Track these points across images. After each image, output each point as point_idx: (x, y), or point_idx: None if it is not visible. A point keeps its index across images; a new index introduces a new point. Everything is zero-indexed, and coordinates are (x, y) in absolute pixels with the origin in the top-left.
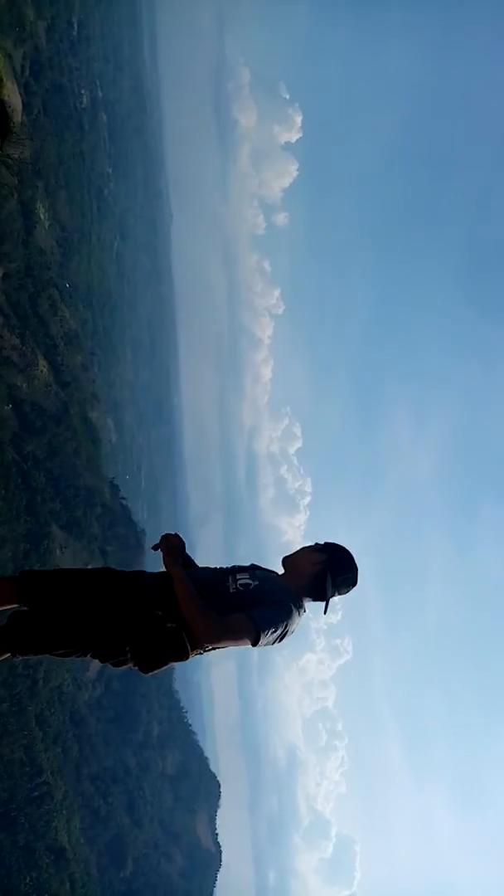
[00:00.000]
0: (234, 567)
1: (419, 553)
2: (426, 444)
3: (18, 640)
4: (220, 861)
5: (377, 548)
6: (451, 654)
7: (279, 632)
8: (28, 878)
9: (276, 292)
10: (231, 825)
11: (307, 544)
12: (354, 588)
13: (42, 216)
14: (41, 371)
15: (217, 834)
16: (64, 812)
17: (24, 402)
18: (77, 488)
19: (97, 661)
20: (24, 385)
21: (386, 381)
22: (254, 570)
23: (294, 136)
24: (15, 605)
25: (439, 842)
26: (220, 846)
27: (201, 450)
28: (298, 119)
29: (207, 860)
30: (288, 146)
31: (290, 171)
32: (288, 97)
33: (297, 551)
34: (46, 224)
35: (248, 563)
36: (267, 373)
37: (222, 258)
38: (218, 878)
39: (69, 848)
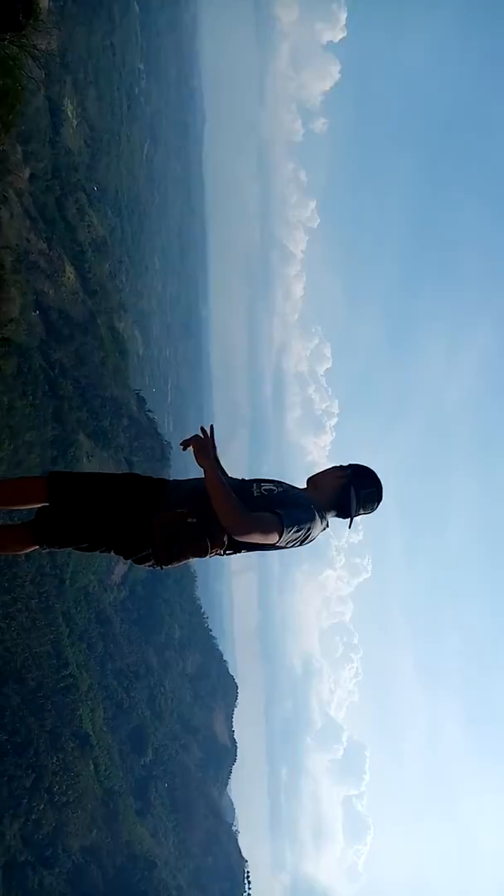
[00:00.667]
0: (258, 479)
1: (442, 480)
2: (458, 372)
3: (45, 533)
4: (235, 756)
5: (401, 472)
6: (467, 579)
7: (302, 532)
8: (55, 759)
9: (312, 204)
10: (247, 724)
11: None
12: (379, 505)
13: (70, 114)
14: (68, 278)
15: (233, 731)
16: (89, 703)
17: (51, 308)
18: (104, 398)
19: (121, 556)
20: (52, 292)
21: (422, 305)
22: (278, 483)
23: (338, 35)
24: (43, 503)
25: (445, 752)
26: (235, 742)
27: (229, 365)
28: (343, 16)
29: (223, 754)
30: (330, 46)
31: (331, 74)
32: None
33: (322, 471)
34: (74, 122)
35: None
36: (299, 289)
37: (256, 166)
38: (232, 771)
39: (93, 735)
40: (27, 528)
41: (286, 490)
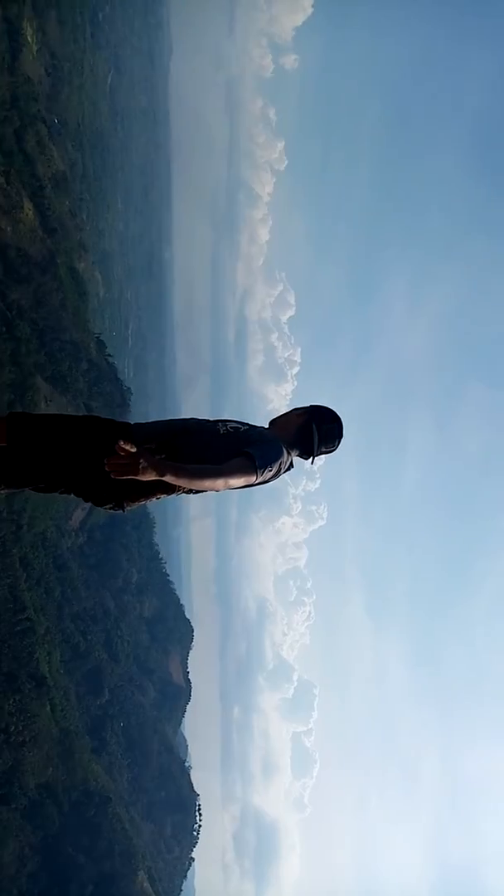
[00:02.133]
0: (222, 419)
1: (401, 428)
2: (420, 319)
3: (1, 473)
4: (189, 696)
5: (360, 420)
6: (419, 528)
7: (275, 469)
8: (11, 700)
9: (280, 145)
10: (201, 666)
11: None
12: (340, 442)
13: (30, 39)
14: (26, 214)
15: (188, 672)
16: (45, 645)
17: (9, 247)
18: (63, 342)
19: (80, 499)
20: (9, 228)
21: (387, 253)
22: (243, 423)
23: None
24: (1, 444)
25: (391, 693)
26: (190, 683)
27: (191, 309)
28: None
29: (177, 694)
30: None
31: (304, 7)
32: None
33: (284, 413)
34: (34, 48)
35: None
36: (264, 233)
37: (224, 101)
38: (187, 711)
39: (49, 676)
40: None
41: (252, 428)
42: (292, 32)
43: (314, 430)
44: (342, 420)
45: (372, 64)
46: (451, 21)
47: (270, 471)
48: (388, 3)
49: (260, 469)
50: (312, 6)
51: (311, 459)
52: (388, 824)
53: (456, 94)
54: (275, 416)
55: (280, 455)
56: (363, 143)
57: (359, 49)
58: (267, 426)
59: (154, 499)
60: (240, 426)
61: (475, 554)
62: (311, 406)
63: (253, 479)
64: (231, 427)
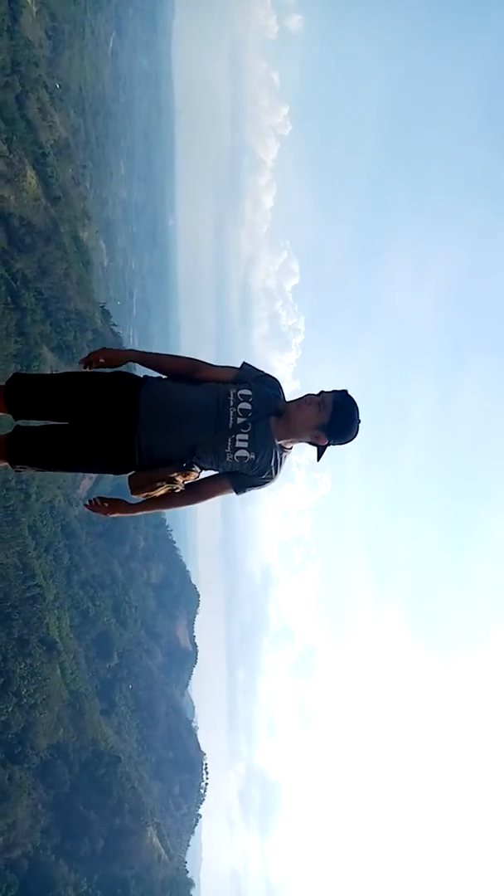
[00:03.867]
0: (235, 393)
1: (404, 397)
2: (424, 287)
3: (20, 451)
4: (196, 659)
5: (364, 390)
6: (421, 496)
7: (255, 490)
8: (23, 665)
9: (285, 110)
10: (207, 630)
11: (312, 393)
12: (352, 439)
13: (29, 0)
14: (29, 183)
15: (194, 636)
16: (55, 611)
17: (12, 216)
18: (68, 311)
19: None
20: (12, 197)
21: (392, 220)
22: (256, 392)
23: None
24: (3, 412)
25: (391, 657)
26: (196, 647)
27: (195, 278)
28: None
29: (184, 658)
30: None
31: None
32: None
33: (301, 403)
34: (34, 9)
35: (253, 370)
36: (268, 200)
37: (228, 63)
38: (193, 674)
39: (59, 641)
40: (2, 440)
41: (257, 456)
42: None
43: (324, 451)
44: (357, 431)
45: (378, 24)
46: None
47: (248, 494)
48: None
49: (240, 493)
50: None
51: (317, 458)
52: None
53: (464, 58)
54: (293, 399)
55: (264, 484)
56: (369, 107)
57: (365, 9)
58: (283, 407)
59: (160, 487)
60: (246, 455)
61: (475, 519)
62: (332, 412)
63: (232, 494)
64: (238, 456)
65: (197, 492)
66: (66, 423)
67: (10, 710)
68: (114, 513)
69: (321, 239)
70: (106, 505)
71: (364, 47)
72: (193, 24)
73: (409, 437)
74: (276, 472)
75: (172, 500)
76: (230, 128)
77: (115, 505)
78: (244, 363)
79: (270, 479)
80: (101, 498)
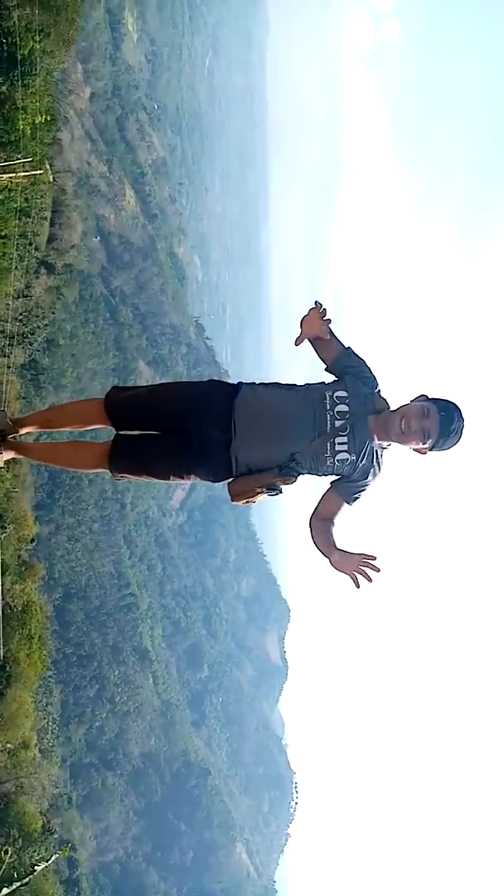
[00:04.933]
0: (331, 395)
1: None
2: None
3: (121, 460)
4: (287, 676)
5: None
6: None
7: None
8: (116, 672)
9: (383, 120)
10: (298, 647)
11: (416, 400)
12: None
13: (130, 27)
14: (128, 202)
15: (285, 651)
16: (148, 620)
17: (112, 234)
18: (163, 326)
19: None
20: (112, 216)
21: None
22: (353, 392)
23: None
24: (105, 424)
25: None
26: (287, 662)
27: (289, 295)
28: None
29: (275, 673)
30: None
31: None
32: None
33: (404, 414)
34: (135, 37)
35: (354, 358)
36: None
37: (322, 78)
38: (284, 690)
39: (152, 650)
40: (105, 449)
41: (357, 457)
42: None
43: (428, 448)
44: (459, 441)
45: (478, 27)
46: None
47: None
48: None
49: (351, 504)
50: None
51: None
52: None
53: None
54: (396, 410)
55: (371, 484)
56: (470, 115)
57: (462, 10)
58: (383, 412)
59: (260, 493)
60: (347, 457)
61: None
62: (438, 421)
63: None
64: (339, 459)
65: (321, 520)
66: (164, 432)
67: (104, 716)
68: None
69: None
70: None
71: (464, 49)
72: (288, 38)
73: None
74: (378, 471)
75: (321, 537)
76: (326, 141)
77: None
78: (349, 349)
79: (374, 478)
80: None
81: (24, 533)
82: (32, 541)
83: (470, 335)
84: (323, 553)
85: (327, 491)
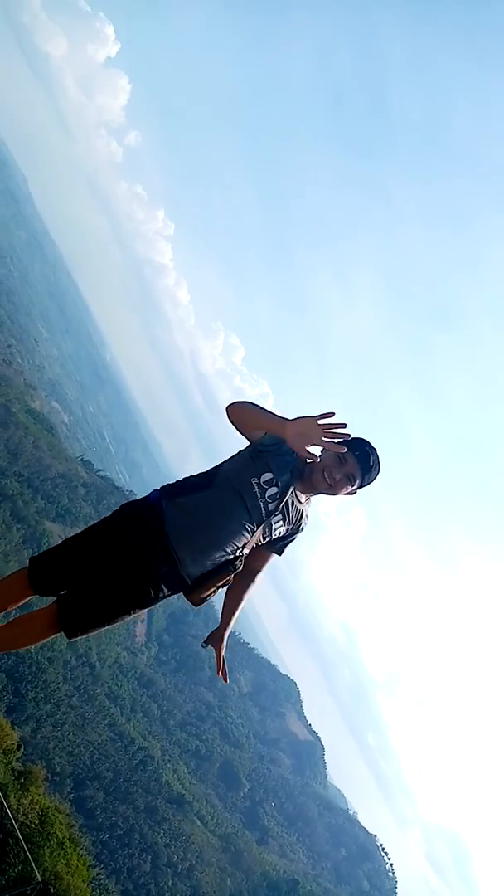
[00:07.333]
0: (257, 483)
1: (388, 403)
2: (357, 298)
3: (74, 621)
4: (322, 746)
5: (352, 411)
6: (446, 492)
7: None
8: (161, 833)
9: (160, 213)
10: (319, 711)
11: (327, 450)
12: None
13: None
14: None
15: (310, 724)
16: (168, 765)
17: None
18: (53, 479)
19: (141, 610)
20: None
21: (296, 255)
22: (277, 469)
23: (112, 50)
24: (32, 594)
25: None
26: (316, 734)
27: (152, 393)
28: (110, 30)
29: (311, 750)
30: (110, 62)
31: (122, 87)
32: (90, 9)
33: (322, 464)
34: None
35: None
36: (183, 295)
37: (92, 199)
38: (326, 761)
39: (186, 792)
40: (47, 614)
41: (292, 525)
42: (123, 113)
43: (352, 489)
44: (376, 469)
45: (204, 101)
46: (253, 26)
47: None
48: (190, 45)
49: (281, 555)
50: (129, 83)
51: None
52: None
53: (289, 104)
54: (313, 463)
55: (299, 533)
56: (233, 173)
57: (186, 92)
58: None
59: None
60: (284, 529)
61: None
62: (356, 460)
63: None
64: (276, 534)
65: (248, 575)
66: (97, 576)
67: (170, 882)
68: (222, 650)
69: (245, 304)
70: (222, 660)
71: (200, 126)
72: (47, 181)
73: (408, 442)
74: (306, 523)
75: (235, 595)
76: (119, 249)
77: (218, 646)
78: (265, 435)
79: (302, 529)
80: (218, 663)
81: (7, 744)
82: (19, 748)
83: None
84: (272, 433)
85: (255, 548)
